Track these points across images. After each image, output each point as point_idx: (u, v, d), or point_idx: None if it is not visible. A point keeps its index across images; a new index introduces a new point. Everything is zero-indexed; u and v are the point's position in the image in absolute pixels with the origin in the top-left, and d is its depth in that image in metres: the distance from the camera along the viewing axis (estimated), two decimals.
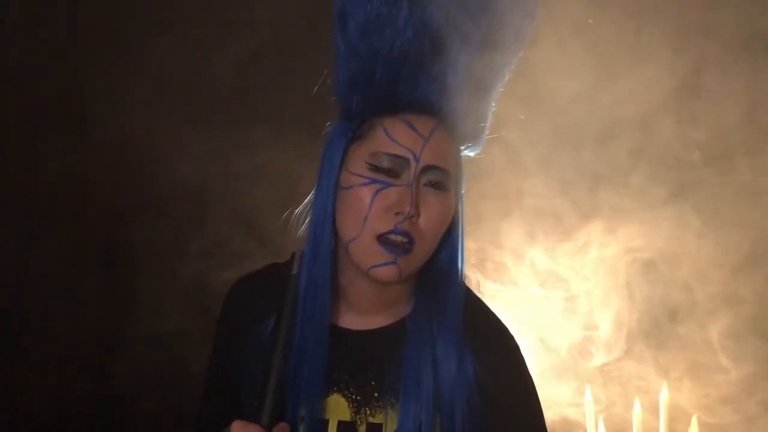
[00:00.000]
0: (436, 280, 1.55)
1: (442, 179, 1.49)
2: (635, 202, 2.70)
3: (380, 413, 1.52)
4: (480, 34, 1.47)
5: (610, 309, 2.79)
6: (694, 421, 2.59)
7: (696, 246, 2.68)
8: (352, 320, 1.56)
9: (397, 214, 1.46)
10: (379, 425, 1.51)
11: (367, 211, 1.46)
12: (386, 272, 1.47)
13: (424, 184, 1.48)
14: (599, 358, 2.81)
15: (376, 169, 1.47)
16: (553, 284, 2.80)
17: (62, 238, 2.80)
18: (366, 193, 1.46)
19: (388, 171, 1.47)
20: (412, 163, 1.46)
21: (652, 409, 2.64)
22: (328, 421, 1.52)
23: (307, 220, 1.55)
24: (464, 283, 1.57)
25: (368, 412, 1.52)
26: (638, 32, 2.69)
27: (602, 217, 2.72)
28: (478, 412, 1.50)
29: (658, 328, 2.78)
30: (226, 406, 1.55)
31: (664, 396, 2.63)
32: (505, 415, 1.52)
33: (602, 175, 2.71)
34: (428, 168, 1.47)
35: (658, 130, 2.69)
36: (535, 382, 1.58)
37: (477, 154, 1.58)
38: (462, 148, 1.55)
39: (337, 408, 1.53)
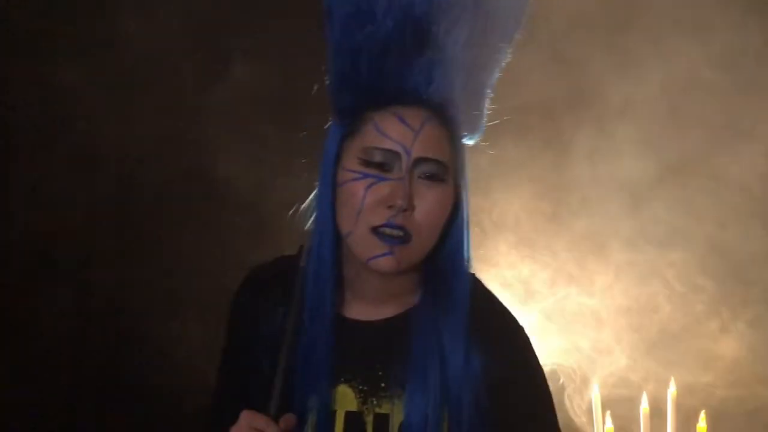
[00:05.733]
0: (442, 271, 1.54)
1: (436, 171, 1.48)
2: None
3: (387, 404, 1.52)
4: (468, 20, 1.45)
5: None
6: (702, 416, 2.58)
7: None
8: (359, 311, 1.57)
9: (390, 207, 1.46)
10: (386, 416, 1.52)
11: (360, 206, 1.47)
12: (384, 263, 1.47)
13: (419, 177, 1.48)
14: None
15: (367, 164, 1.47)
16: None
17: None
18: (359, 188, 1.47)
19: (381, 165, 1.47)
20: (404, 156, 1.46)
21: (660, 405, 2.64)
22: (335, 411, 1.53)
23: (314, 214, 1.57)
24: (471, 273, 1.56)
25: (375, 402, 1.53)
26: None
27: None
28: (486, 404, 1.49)
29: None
30: (237, 398, 1.56)
31: (672, 391, 2.63)
32: (513, 408, 1.51)
33: None
34: (420, 160, 1.47)
35: None
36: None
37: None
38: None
39: (345, 398, 1.54)
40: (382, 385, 1.53)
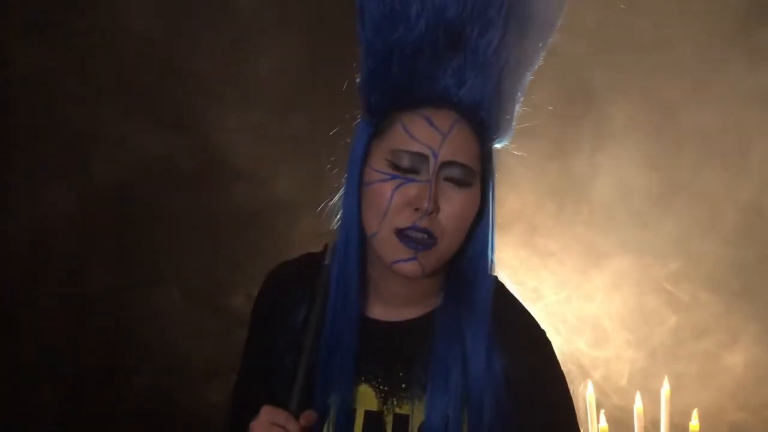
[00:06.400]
0: (466, 273, 1.55)
1: (462, 175, 1.48)
2: None
3: (407, 404, 1.53)
4: (500, 23, 1.45)
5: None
6: (695, 415, 2.59)
7: None
8: (382, 312, 1.57)
9: (416, 210, 1.46)
10: (406, 416, 1.52)
11: (386, 206, 1.46)
12: (408, 268, 1.47)
13: (445, 179, 1.47)
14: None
15: (395, 166, 1.47)
16: None
17: None
18: (386, 189, 1.47)
19: (408, 167, 1.47)
20: (431, 159, 1.46)
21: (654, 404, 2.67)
22: (355, 410, 1.54)
23: (340, 212, 1.57)
24: (495, 276, 1.57)
25: (395, 402, 1.53)
26: None
27: None
28: (506, 407, 1.49)
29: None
30: (259, 392, 1.57)
31: (666, 390, 2.65)
32: (534, 411, 1.51)
33: None
34: (447, 164, 1.47)
35: None
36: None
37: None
38: None
39: (365, 398, 1.54)
40: (403, 386, 1.53)
